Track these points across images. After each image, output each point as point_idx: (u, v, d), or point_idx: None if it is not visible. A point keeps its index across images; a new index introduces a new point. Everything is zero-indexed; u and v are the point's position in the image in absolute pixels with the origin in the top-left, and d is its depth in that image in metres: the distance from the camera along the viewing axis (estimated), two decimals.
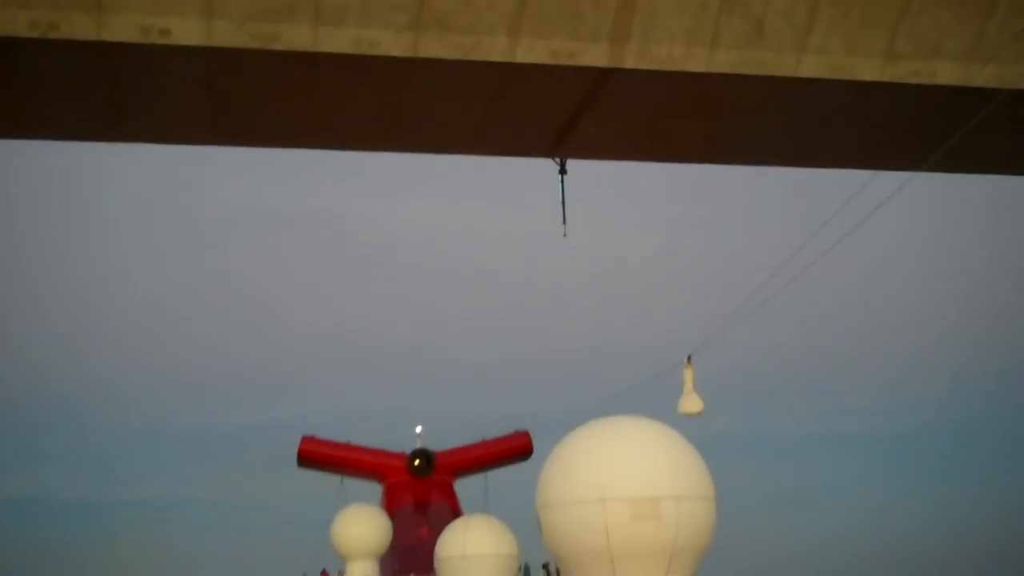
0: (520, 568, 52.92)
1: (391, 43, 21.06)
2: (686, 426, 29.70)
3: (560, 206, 28.36)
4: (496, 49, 21.79)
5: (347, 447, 71.78)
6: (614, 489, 26.82)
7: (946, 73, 22.83)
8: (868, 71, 22.65)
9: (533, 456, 71.09)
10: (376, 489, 71.07)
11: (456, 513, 61.77)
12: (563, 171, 28.83)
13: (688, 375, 30.76)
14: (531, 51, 21.85)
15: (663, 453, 27.93)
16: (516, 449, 73.30)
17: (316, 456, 70.98)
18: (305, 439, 70.95)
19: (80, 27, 20.05)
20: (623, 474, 27.13)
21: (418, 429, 72.55)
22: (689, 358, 31.30)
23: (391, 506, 64.58)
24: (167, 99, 23.12)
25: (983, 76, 22.62)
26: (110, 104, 23.08)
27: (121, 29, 20.24)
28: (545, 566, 60.01)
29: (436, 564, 48.35)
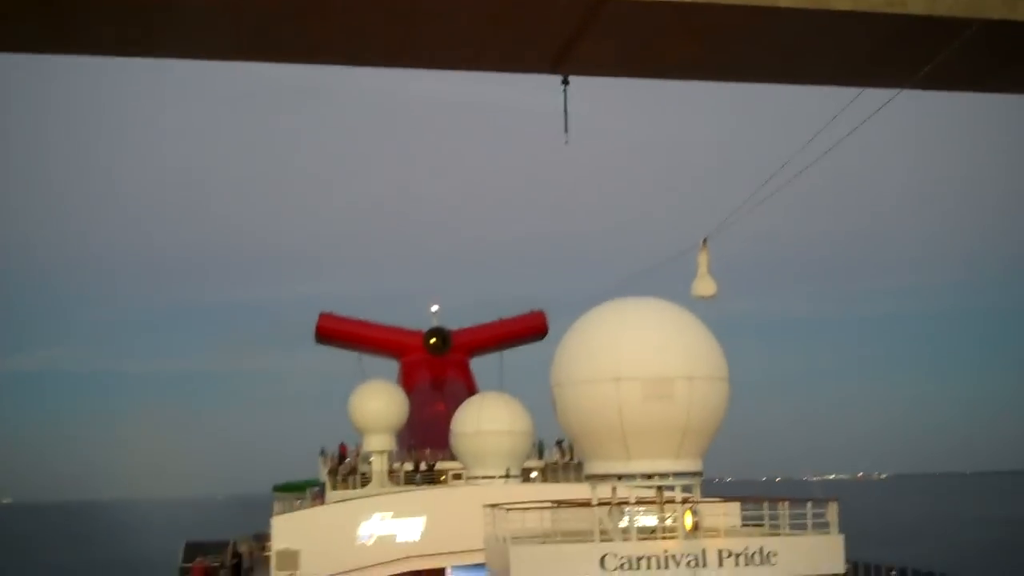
0: (534, 444, 53.90)
1: None
2: (700, 309, 29.94)
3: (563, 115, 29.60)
4: None
5: (364, 324, 72.54)
6: (628, 368, 27.24)
7: (916, 4, 24.46)
8: (842, 1, 24.25)
9: (548, 336, 71.81)
10: (393, 366, 72.05)
11: (472, 390, 62.65)
12: (565, 82, 30.10)
13: (703, 258, 30.79)
14: None
15: (677, 334, 28.26)
16: (531, 329, 73.96)
17: (334, 332, 71.82)
18: (323, 315, 71.68)
19: None
20: (637, 354, 27.51)
21: (434, 308, 73.19)
22: (705, 241, 31.30)
23: (408, 383, 65.54)
24: (196, 21, 25.08)
25: (948, 6, 24.41)
26: (145, 24, 24.97)
27: None
28: (559, 443, 61.11)
29: (452, 439, 49.31)
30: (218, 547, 61.14)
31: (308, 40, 26.53)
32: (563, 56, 27.20)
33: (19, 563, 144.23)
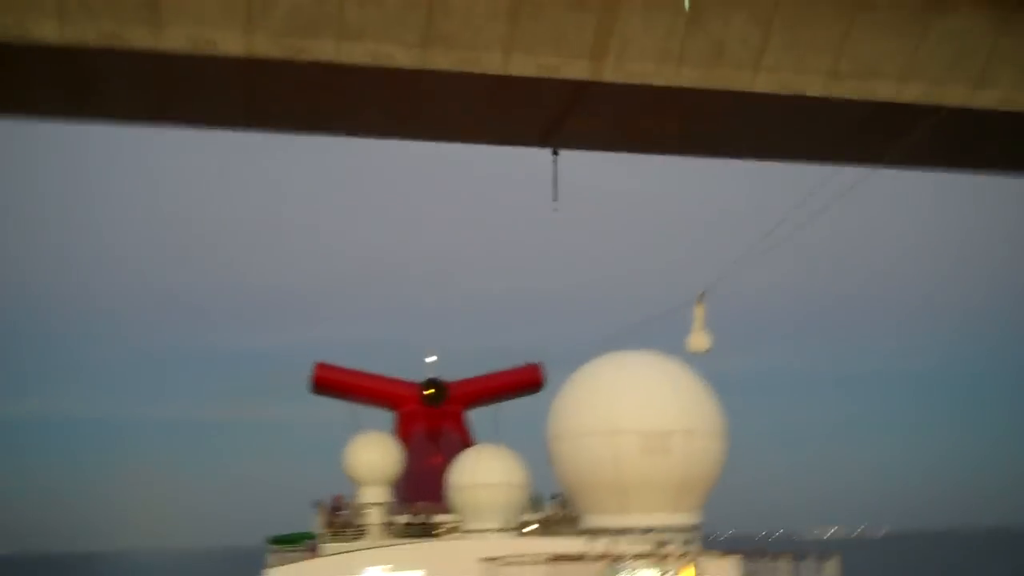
0: (531, 497, 53.62)
1: (403, 57, 25.41)
2: (696, 363, 29.97)
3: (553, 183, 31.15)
4: (492, 63, 26.00)
5: (360, 375, 72.36)
6: (625, 422, 27.20)
7: (884, 90, 26.44)
8: (815, 87, 26.19)
9: (543, 389, 71.65)
10: (388, 417, 71.76)
11: (468, 443, 62.41)
12: (555, 153, 31.60)
13: (699, 312, 30.87)
14: (522, 65, 26.02)
15: (674, 388, 28.26)
16: (527, 381, 73.76)
17: (330, 383, 71.59)
18: (319, 366, 71.49)
19: (140, 38, 24.27)
20: (634, 407, 27.49)
21: (431, 359, 73.07)
22: (701, 295, 31.39)
23: (403, 434, 65.25)
24: (210, 95, 27.14)
25: (913, 93, 26.43)
26: (161, 98, 26.99)
27: (174, 40, 24.34)
28: (555, 497, 60.75)
29: (449, 492, 49.07)
30: None
31: (312, 113, 28.39)
32: (552, 131, 29.28)
33: None
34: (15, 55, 23.72)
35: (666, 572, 27.91)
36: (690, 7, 25.15)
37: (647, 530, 27.66)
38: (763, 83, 26.47)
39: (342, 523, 56.86)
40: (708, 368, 30.03)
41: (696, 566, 27.67)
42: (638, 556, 28.56)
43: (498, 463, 48.13)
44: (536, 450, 32.52)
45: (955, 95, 27.14)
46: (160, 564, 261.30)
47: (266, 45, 24.61)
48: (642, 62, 25.72)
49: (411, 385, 70.73)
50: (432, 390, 69.64)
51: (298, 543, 60.44)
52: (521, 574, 28.35)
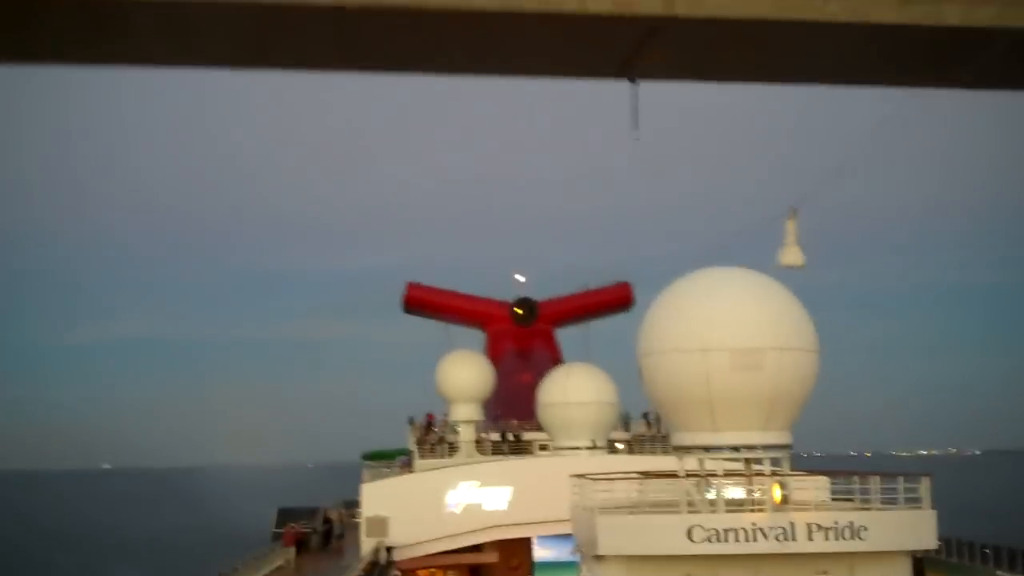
0: (620, 416, 53.87)
1: (487, 1, 26.71)
2: (788, 279, 29.57)
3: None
4: (570, 3, 27.08)
5: (451, 294, 73.02)
6: (716, 339, 27.03)
7: (953, 15, 26.36)
8: (886, 14, 26.36)
9: (633, 308, 71.54)
10: (479, 336, 72.48)
11: (557, 361, 62.82)
12: (633, 81, 32.23)
13: (791, 227, 30.36)
14: (598, 3, 26.80)
15: (766, 304, 27.95)
16: (617, 300, 73.71)
17: (421, 302, 72.40)
18: (411, 286, 72.29)
19: None
20: (726, 324, 27.28)
21: (521, 278, 73.37)
22: (793, 210, 30.86)
23: (494, 353, 65.90)
24: (304, 41, 28.08)
25: (983, 17, 26.21)
26: (260, 44, 28.11)
27: None
28: (645, 415, 60.98)
29: (538, 410, 49.52)
30: (309, 513, 62.38)
31: (400, 55, 29.43)
32: (628, 66, 29.74)
33: (124, 526, 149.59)
34: (122, 9, 24.84)
35: (754, 491, 27.92)
36: None
37: (736, 448, 27.63)
38: (834, 11, 26.50)
39: (434, 440, 57.87)
40: (800, 283, 29.66)
41: (783, 486, 27.62)
42: (727, 474, 28.61)
43: (588, 381, 48.35)
44: (626, 368, 32.62)
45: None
46: (258, 479, 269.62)
47: None
48: None
49: (502, 304, 71.17)
50: (522, 309, 69.99)
51: (392, 459, 61.74)
52: (610, 491, 28.58)
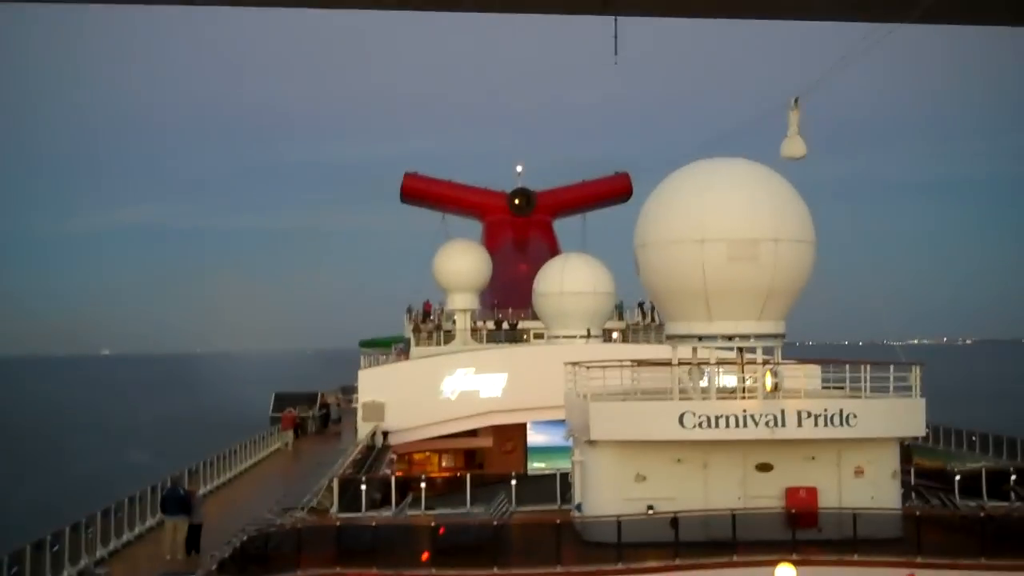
0: (615, 305, 54.21)
1: None
2: (789, 170, 29.42)
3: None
4: None
5: (449, 184, 72.78)
6: (713, 229, 27.03)
7: None
8: None
9: (632, 198, 71.40)
10: (477, 226, 72.46)
11: (554, 251, 62.93)
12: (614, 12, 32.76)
13: (794, 118, 30.04)
14: None
15: (764, 195, 27.86)
16: (616, 190, 73.54)
17: (419, 192, 72.22)
18: (408, 175, 72.03)
19: None
20: (723, 215, 27.24)
21: (519, 168, 73.07)
22: (796, 100, 30.52)
23: (491, 243, 66.00)
24: None
25: None
26: None
27: None
28: (640, 304, 61.36)
29: (534, 299, 49.79)
30: (306, 398, 63.25)
31: None
32: (609, 2, 30.33)
33: (128, 411, 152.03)
34: None
35: (746, 379, 28.26)
36: None
37: (730, 337, 27.87)
38: None
39: (431, 328, 58.35)
40: (801, 174, 29.53)
41: (775, 374, 27.92)
42: (720, 363, 28.92)
43: (584, 271, 48.52)
44: (622, 259, 32.66)
45: None
46: (258, 365, 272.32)
47: None
48: None
49: (499, 194, 71.03)
50: (520, 199, 69.89)
51: (388, 347, 62.33)
52: (604, 378, 28.91)
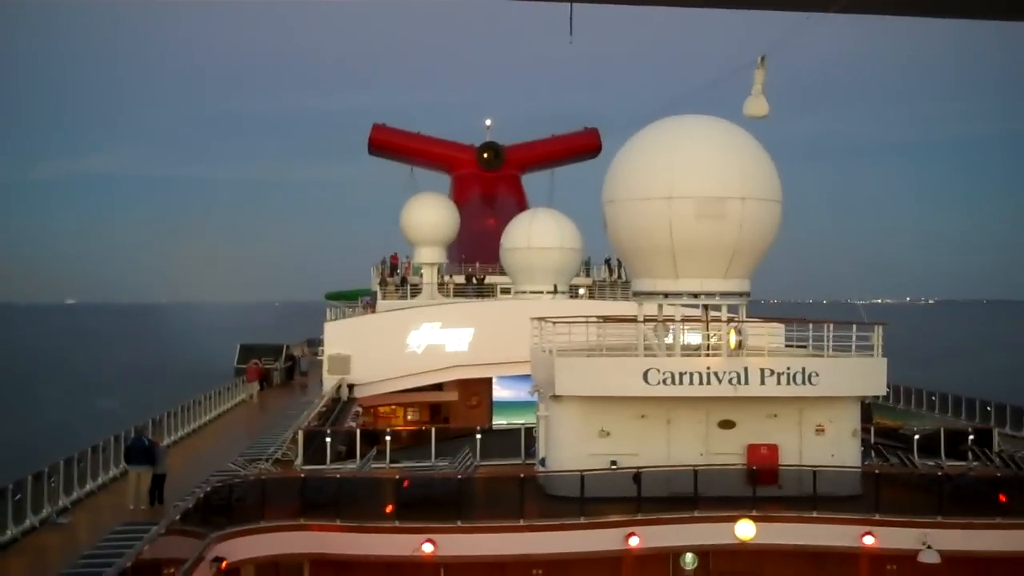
0: (583, 262, 54.28)
1: None
2: (756, 128, 29.42)
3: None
4: None
5: (417, 137, 72.32)
6: (680, 187, 27.08)
7: None
8: None
9: (600, 154, 71.28)
10: (445, 180, 72.16)
11: (523, 206, 62.82)
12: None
13: (759, 76, 29.98)
14: None
15: (731, 154, 27.91)
16: (585, 146, 73.36)
17: (387, 144, 71.70)
18: (376, 127, 71.45)
19: None
20: (690, 173, 27.29)
21: (488, 122, 72.71)
22: (762, 59, 30.47)
23: (459, 197, 65.76)
24: None
25: None
26: None
27: None
28: (607, 261, 61.50)
29: (501, 254, 49.75)
30: (272, 350, 63.01)
31: None
32: None
33: (89, 359, 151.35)
34: None
35: (710, 336, 28.45)
36: None
37: (695, 295, 28.01)
38: None
39: (398, 281, 58.24)
40: (767, 133, 29.55)
41: (739, 332, 28.13)
42: (685, 320, 29.08)
43: (552, 226, 48.49)
44: (590, 215, 32.67)
45: None
46: (225, 316, 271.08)
47: None
48: None
49: (468, 148, 70.71)
50: (488, 153, 69.60)
51: (355, 299, 62.17)
52: (570, 334, 29.01)
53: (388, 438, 31.32)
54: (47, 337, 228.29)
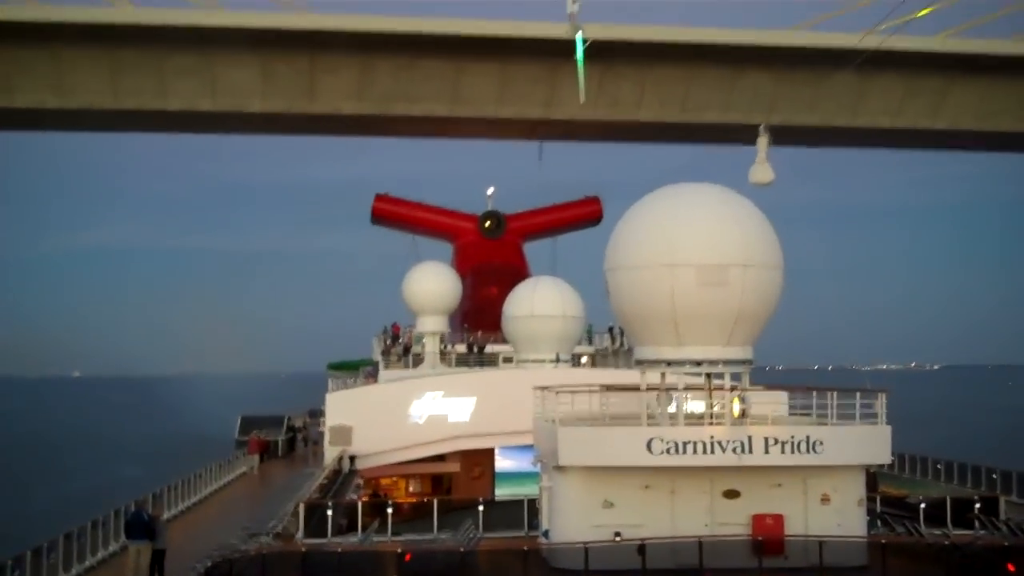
0: (585, 330, 54.23)
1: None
2: (758, 196, 29.59)
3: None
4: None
5: (419, 206, 72.79)
6: (682, 254, 27.08)
7: None
8: None
9: (602, 222, 71.64)
10: (447, 248, 72.44)
11: (525, 274, 62.94)
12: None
13: (762, 144, 30.31)
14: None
15: (733, 221, 27.95)
16: (586, 214, 73.78)
17: (389, 214, 72.15)
18: (379, 197, 71.97)
19: None
20: (692, 240, 27.30)
21: (490, 191, 73.20)
22: (763, 127, 30.82)
23: (461, 265, 65.96)
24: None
25: None
26: None
27: None
28: (610, 329, 61.44)
29: (504, 322, 49.72)
30: (273, 421, 62.76)
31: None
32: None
33: (109, 429, 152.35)
34: None
35: (714, 405, 28.29)
36: None
37: (698, 363, 27.89)
38: None
39: (400, 351, 58.14)
40: (768, 200, 29.73)
41: (742, 400, 27.98)
42: (688, 388, 28.94)
43: (554, 295, 48.52)
44: (592, 283, 32.73)
45: None
46: (230, 387, 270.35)
47: None
48: None
49: (470, 217, 71.09)
50: (490, 222, 69.95)
51: (356, 369, 62.01)
52: (573, 403, 28.85)
53: (390, 510, 31.02)
54: (57, 409, 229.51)
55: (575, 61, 55.60)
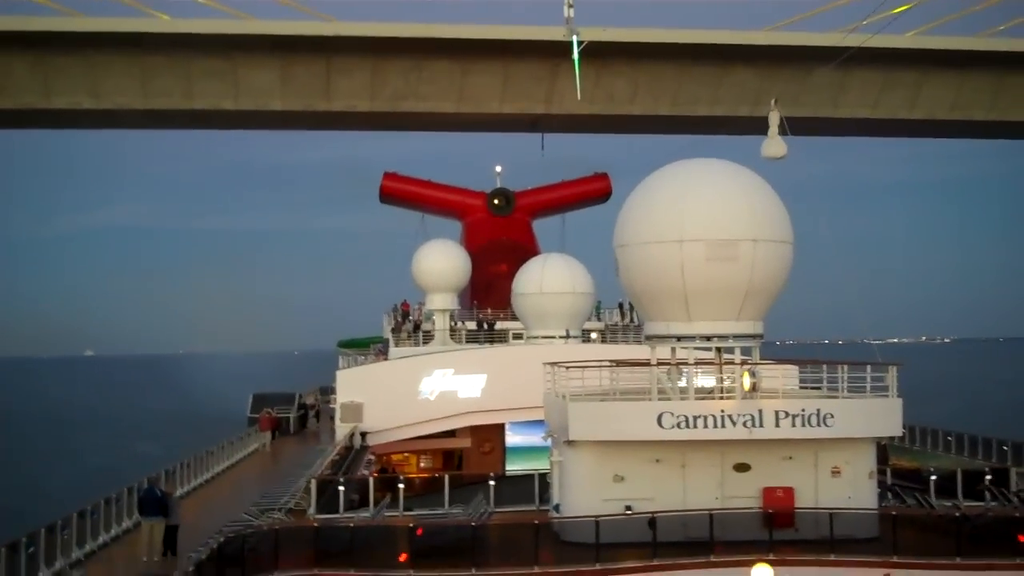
0: (594, 306, 54.24)
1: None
2: (770, 170, 29.51)
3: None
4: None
5: (428, 184, 72.71)
6: (692, 230, 27.06)
7: None
8: None
9: (611, 198, 71.52)
10: (456, 226, 72.42)
11: (534, 251, 62.92)
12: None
13: (774, 118, 30.18)
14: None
15: (742, 196, 27.91)
16: (595, 191, 73.63)
17: (398, 192, 72.10)
18: (387, 175, 71.90)
19: None
20: (701, 215, 27.27)
21: (498, 168, 73.08)
22: (776, 101, 30.70)
23: (470, 243, 65.97)
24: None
25: None
26: None
27: None
28: (620, 305, 61.43)
29: (513, 299, 49.76)
30: (284, 399, 62.95)
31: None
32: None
33: (122, 407, 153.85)
34: None
35: (724, 379, 28.30)
36: None
37: (708, 338, 27.90)
38: None
39: (409, 328, 58.26)
40: (777, 174, 29.64)
41: (753, 374, 27.98)
42: (698, 363, 28.97)
43: (563, 271, 48.51)
44: (602, 259, 32.73)
45: None
46: (243, 366, 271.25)
47: None
48: None
49: (479, 195, 71.03)
50: (499, 199, 69.91)
51: (367, 347, 62.18)
52: (583, 379, 28.89)
53: (401, 486, 31.17)
54: (70, 388, 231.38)
55: (573, 61, 60.26)
